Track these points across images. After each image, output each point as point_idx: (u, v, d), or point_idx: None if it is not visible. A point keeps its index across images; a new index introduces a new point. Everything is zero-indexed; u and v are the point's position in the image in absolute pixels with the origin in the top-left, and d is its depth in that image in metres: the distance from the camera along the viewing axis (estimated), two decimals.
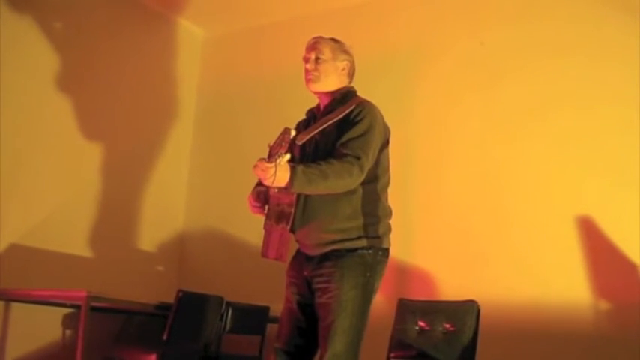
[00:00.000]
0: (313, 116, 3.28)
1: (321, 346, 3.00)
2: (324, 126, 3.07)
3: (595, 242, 4.29)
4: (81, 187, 5.36)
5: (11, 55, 4.88)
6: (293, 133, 2.65)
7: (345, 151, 2.97)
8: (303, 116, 3.36)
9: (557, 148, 4.55)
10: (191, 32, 6.41)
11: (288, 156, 2.67)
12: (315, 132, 3.08)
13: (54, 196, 5.15)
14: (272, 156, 2.71)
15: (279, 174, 2.75)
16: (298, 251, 3.21)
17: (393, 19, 5.45)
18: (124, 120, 5.76)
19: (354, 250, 3.04)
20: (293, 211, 2.97)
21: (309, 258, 3.11)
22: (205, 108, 6.38)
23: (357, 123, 3.06)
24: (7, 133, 4.81)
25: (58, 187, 5.18)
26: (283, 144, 2.63)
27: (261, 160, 2.75)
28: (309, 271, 3.09)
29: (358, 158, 2.96)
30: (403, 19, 5.41)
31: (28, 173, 4.95)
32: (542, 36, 4.76)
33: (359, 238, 3.06)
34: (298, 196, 2.98)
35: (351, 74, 3.31)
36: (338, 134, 3.05)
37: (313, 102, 3.33)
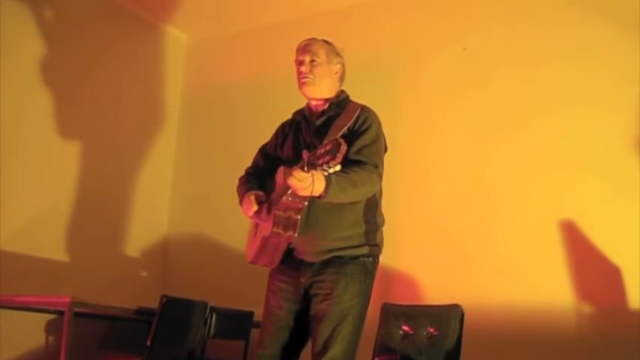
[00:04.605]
0: (305, 119, 3.24)
1: (315, 351, 2.98)
2: (341, 132, 2.99)
3: (578, 246, 4.31)
4: (64, 191, 5.33)
5: None
6: (345, 147, 2.53)
7: (361, 159, 2.95)
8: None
9: (540, 152, 4.57)
10: (175, 37, 6.41)
11: (338, 167, 2.57)
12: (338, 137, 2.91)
13: (37, 201, 5.12)
14: (314, 165, 2.59)
15: (316, 183, 2.71)
16: (289, 256, 3.13)
17: (377, 23, 5.46)
18: (109, 124, 5.74)
19: (356, 257, 3.05)
20: (300, 217, 2.91)
21: (307, 264, 3.07)
22: (189, 112, 6.37)
23: (365, 130, 3.06)
24: None
25: (41, 191, 5.15)
26: (338, 155, 2.50)
27: (298, 169, 2.66)
28: (307, 277, 3.05)
29: (376, 166, 2.98)
30: (387, 24, 5.42)
31: (10, 178, 4.92)
32: (526, 40, 4.78)
33: (360, 245, 3.06)
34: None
35: (343, 78, 3.28)
36: (347, 141, 3.01)
37: (298, 106, 3.32)
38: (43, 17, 5.28)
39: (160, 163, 6.15)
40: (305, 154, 2.65)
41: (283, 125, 3.37)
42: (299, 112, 3.32)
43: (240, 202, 3.20)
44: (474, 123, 4.87)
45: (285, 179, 2.77)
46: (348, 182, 2.86)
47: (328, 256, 3.02)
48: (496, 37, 4.91)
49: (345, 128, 3.03)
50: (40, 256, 5.08)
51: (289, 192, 2.82)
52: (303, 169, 2.64)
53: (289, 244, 3.07)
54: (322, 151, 2.57)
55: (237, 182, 3.37)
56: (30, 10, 5.20)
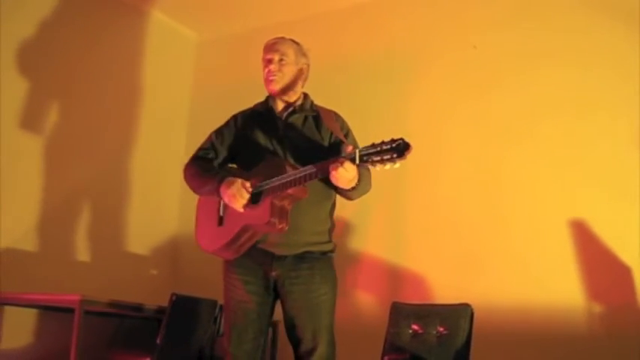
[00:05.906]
0: (272, 114, 3.24)
1: (304, 348, 3.04)
2: (336, 136, 3.10)
3: (588, 245, 4.30)
4: (74, 190, 5.33)
5: None
6: (411, 147, 2.52)
7: None
8: None
9: (551, 151, 4.56)
10: (184, 36, 6.41)
11: (397, 165, 2.55)
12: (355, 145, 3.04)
13: (47, 200, 5.12)
14: (369, 159, 2.60)
15: (357, 175, 2.82)
16: (254, 249, 3.11)
17: (387, 22, 5.45)
18: (118, 123, 5.76)
19: (325, 253, 3.14)
20: (290, 208, 2.95)
21: (278, 257, 3.08)
22: (199, 111, 6.37)
23: (347, 134, 3.18)
24: None
25: (51, 190, 5.15)
26: (406, 153, 2.49)
27: (348, 160, 2.69)
28: (279, 272, 3.08)
29: (368, 168, 3.01)
30: (396, 22, 5.41)
31: (20, 177, 4.93)
32: (535, 41, 4.77)
33: (328, 241, 3.17)
34: None
35: (306, 78, 3.33)
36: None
37: None
38: (48, 15, 5.30)
39: (170, 161, 6.14)
40: (350, 147, 2.72)
41: (243, 114, 3.38)
42: (261, 105, 3.33)
43: (215, 188, 3.10)
44: (483, 122, 4.86)
45: (329, 167, 2.75)
46: (364, 178, 2.95)
47: (302, 250, 3.07)
48: (506, 35, 4.90)
49: (339, 130, 3.13)
50: (50, 254, 5.09)
51: (290, 181, 2.86)
52: (351, 162, 2.68)
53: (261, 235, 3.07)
54: (381, 148, 2.57)
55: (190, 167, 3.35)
56: (34, 7, 5.22)
